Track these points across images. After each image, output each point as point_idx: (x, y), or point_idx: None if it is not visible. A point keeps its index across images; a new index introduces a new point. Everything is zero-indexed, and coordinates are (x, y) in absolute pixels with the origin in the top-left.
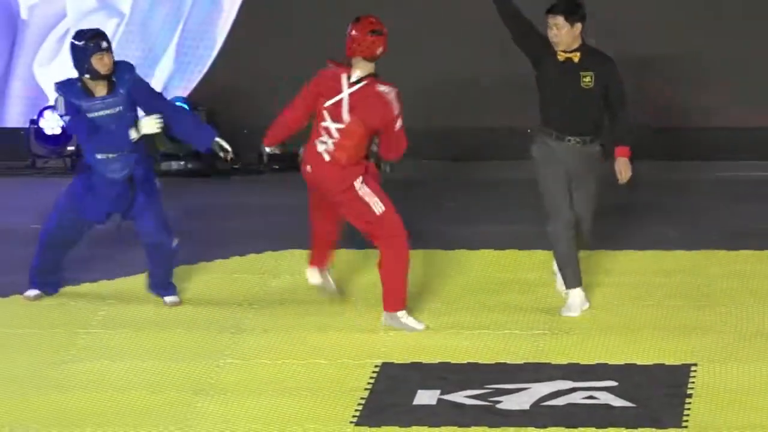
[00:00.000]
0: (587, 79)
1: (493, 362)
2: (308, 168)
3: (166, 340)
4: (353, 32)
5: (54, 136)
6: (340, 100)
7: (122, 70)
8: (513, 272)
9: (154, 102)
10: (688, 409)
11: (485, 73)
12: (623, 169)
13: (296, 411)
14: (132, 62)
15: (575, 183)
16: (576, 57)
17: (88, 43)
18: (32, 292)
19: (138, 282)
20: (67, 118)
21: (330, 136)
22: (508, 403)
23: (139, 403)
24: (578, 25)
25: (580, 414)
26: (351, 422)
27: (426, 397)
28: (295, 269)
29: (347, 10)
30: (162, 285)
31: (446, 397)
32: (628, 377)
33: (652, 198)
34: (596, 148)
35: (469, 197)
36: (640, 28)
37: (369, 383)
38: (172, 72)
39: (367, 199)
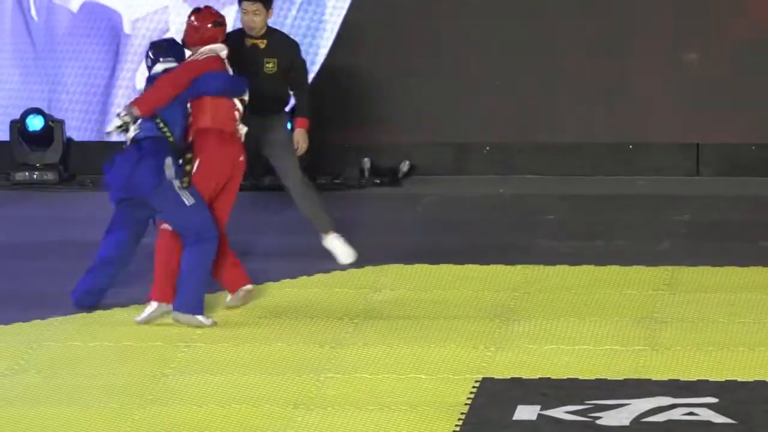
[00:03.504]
0: (270, 65)
1: (594, 378)
2: None
3: (266, 354)
4: (195, 23)
5: None
6: None
7: None
8: (614, 288)
9: None
10: None
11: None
12: (301, 139)
13: (396, 425)
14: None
15: (266, 147)
16: (263, 43)
17: None
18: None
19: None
20: None
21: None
22: (608, 419)
23: (239, 416)
24: (271, 11)
25: (680, 430)
26: None
27: (526, 412)
28: (396, 284)
29: (444, 30)
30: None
31: (546, 412)
32: (728, 394)
33: (755, 214)
34: (280, 119)
35: (565, 211)
36: None
37: (469, 398)
38: None
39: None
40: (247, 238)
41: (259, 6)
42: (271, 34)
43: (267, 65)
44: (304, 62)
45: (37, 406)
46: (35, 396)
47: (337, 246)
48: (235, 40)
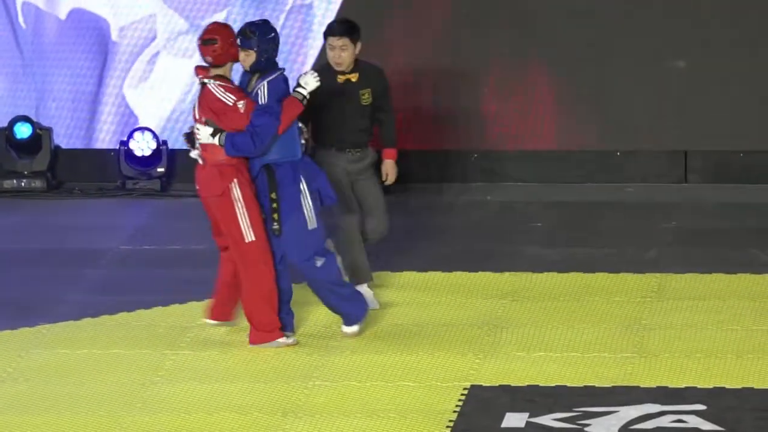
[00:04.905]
0: (365, 96)
1: (582, 385)
2: (198, 186)
3: (255, 361)
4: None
5: (144, 158)
6: (195, 103)
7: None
8: (602, 295)
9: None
10: None
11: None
12: (390, 171)
13: None
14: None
15: (356, 184)
16: (354, 77)
17: None
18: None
19: None
20: None
21: (198, 139)
22: (596, 426)
23: (228, 424)
24: (359, 45)
25: None
26: None
27: (515, 419)
28: (384, 291)
29: (433, 31)
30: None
31: (535, 419)
32: (717, 401)
33: (743, 221)
34: (370, 153)
35: (553, 219)
36: None
37: (457, 406)
38: None
39: (238, 207)
40: None
41: (345, 41)
42: (360, 65)
43: (363, 96)
44: (389, 87)
45: (25, 414)
46: (23, 404)
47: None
48: (324, 77)
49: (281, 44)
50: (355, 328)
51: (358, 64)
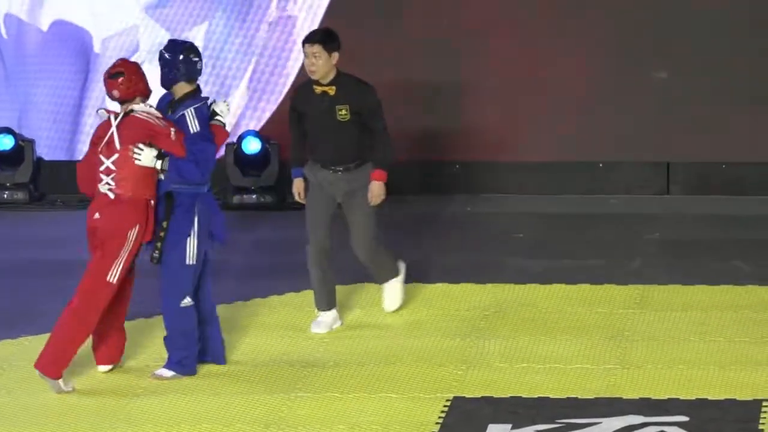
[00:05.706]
0: (343, 112)
1: (565, 397)
2: (96, 215)
3: (237, 374)
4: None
5: None
6: (111, 136)
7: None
8: (585, 306)
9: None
10: None
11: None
12: (374, 193)
13: None
14: (205, 95)
15: (346, 205)
16: (332, 90)
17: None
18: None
19: None
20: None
21: (109, 173)
22: None
23: None
24: (335, 55)
25: None
26: None
27: (497, 431)
28: (365, 303)
29: (415, 42)
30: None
31: (518, 431)
32: (699, 412)
33: (726, 232)
34: (366, 171)
35: (536, 230)
36: None
37: (440, 417)
38: (244, 105)
39: (126, 248)
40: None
41: (317, 48)
42: (341, 79)
43: (340, 112)
44: (377, 105)
45: (7, 426)
46: (6, 416)
47: (327, 318)
48: (305, 89)
49: (264, 56)
50: (169, 373)
51: (339, 78)
